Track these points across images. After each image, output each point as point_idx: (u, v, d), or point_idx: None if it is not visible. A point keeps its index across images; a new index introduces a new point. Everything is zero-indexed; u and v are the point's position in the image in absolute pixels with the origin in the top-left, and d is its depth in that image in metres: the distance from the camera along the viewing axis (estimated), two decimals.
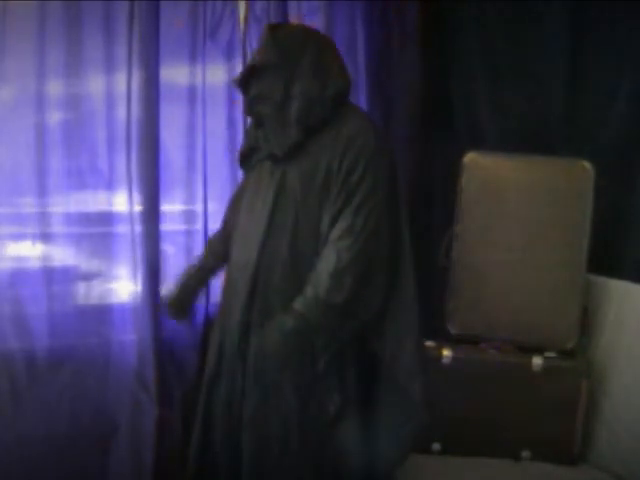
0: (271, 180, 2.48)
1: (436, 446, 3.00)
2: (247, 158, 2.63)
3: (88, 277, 3.04)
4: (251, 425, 2.45)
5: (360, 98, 3.37)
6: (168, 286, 2.89)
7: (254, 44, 3.11)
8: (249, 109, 2.55)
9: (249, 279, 2.46)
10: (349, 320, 2.40)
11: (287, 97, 2.43)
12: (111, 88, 2.95)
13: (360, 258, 2.37)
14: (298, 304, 2.36)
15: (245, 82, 2.51)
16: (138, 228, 2.97)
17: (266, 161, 2.52)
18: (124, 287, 3.05)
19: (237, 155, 2.69)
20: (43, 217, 2.90)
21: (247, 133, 2.73)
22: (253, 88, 2.48)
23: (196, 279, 2.76)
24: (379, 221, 2.41)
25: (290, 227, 2.44)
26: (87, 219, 2.99)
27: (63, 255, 2.98)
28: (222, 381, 2.53)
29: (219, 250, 2.72)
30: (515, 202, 3.08)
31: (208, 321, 3.04)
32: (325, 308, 2.36)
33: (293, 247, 2.44)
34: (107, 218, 3.01)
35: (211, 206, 3.13)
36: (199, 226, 3.14)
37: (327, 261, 2.37)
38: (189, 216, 3.16)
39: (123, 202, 2.98)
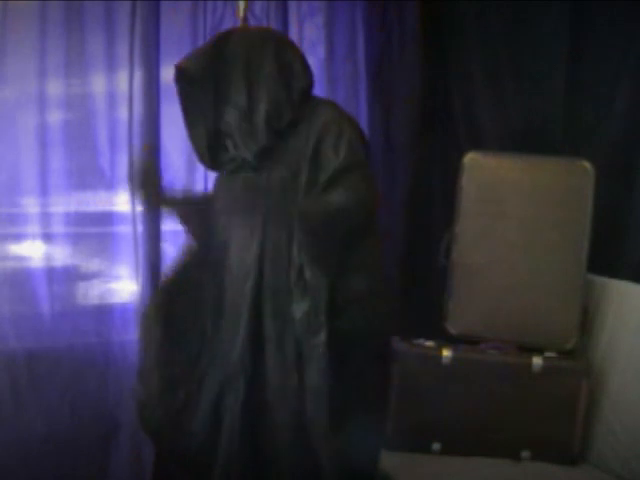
0: (257, 190, 2.47)
1: (436, 446, 2.99)
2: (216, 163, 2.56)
3: (89, 277, 3.04)
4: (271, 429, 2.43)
5: (360, 98, 3.38)
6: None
7: None
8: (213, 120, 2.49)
9: (251, 289, 2.44)
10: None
11: (252, 103, 2.41)
12: (112, 88, 2.97)
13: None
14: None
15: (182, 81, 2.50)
16: (139, 228, 2.98)
17: (248, 171, 2.49)
18: (125, 287, 3.06)
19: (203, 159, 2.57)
20: (44, 217, 2.91)
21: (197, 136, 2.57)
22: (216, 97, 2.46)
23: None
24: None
25: (285, 230, 2.42)
26: (88, 219, 3.00)
27: (64, 255, 2.98)
28: (232, 386, 2.50)
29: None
30: (515, 202, 3.07)
31: None
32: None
33: (291, 247, 2.42)
34: (108, 218, 3.03)
35: None
36: None
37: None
38: None
39: (124, 202, 2.98)
